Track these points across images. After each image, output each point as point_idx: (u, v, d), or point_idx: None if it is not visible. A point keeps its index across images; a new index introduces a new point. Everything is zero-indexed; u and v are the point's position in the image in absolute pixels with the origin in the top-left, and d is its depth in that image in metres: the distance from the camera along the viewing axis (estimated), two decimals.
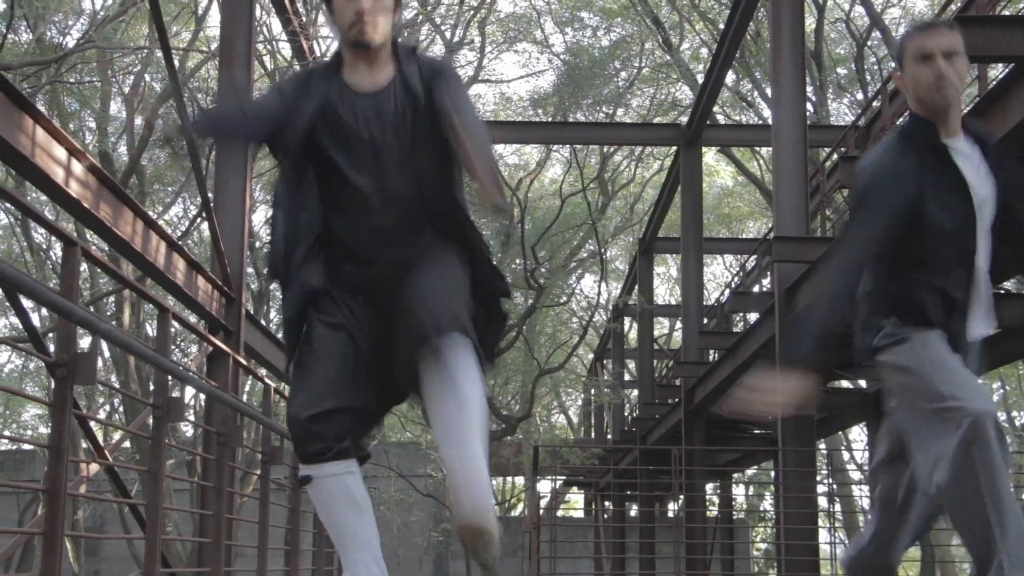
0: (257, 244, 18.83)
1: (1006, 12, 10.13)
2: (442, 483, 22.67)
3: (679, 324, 21.59)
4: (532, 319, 20.86)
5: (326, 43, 18.30)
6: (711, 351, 16.83)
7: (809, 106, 17.94)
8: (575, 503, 32.64)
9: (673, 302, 26.06)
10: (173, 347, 18.21)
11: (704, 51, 21.95)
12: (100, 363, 15.27)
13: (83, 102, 19.55)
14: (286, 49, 17.52)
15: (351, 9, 2.60)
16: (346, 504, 2.56)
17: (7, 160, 6.05)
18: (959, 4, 9.30)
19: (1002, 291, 12.16)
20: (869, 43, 21.73)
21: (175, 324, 6.17)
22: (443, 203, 2.70)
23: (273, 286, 20.01)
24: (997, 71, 10.50)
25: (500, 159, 23.39)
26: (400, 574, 22.95)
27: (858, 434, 27.25)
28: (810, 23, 18.87)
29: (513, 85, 34.38)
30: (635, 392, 24.63)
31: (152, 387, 7.36)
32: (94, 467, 9.32)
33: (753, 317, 14.60)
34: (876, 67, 21.72)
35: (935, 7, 18.20)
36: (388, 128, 2.65)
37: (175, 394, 5.77)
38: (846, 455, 26.38)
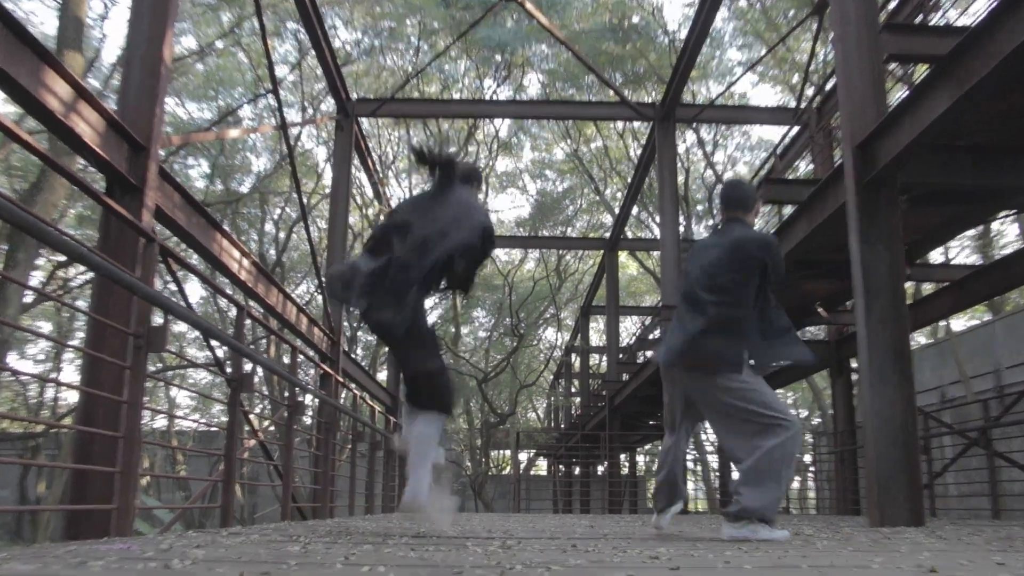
0: (350, 309, 24.66)
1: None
2: (461, 454, 27.69)
3: (605, 357, 22.93)
4: (516, 354, 26.16)
5: (392, 189, 22.84)
6: (624, 373, 18.69)
7: (680, 228, 16.06)
8: (541, 466, 33.53)
9: (601, 344, 26.38)
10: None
11: (619, 194, 23.99)
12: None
13: (250, 224, 24.03)
14: (368, 191, 20.79)
15: None
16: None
17: (205, 257, 7.08)
18: (887, 13, 8.57)
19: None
20: (715, 191, 22.40)
21: (301, 356, 7.60)
22: None
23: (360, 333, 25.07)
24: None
25: (498, 258, 27.23)
26: None
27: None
28: (681, 179, 20.66)
29: (505, 213, 34.68)
30: (578, 399, 26.09)
31: (287, 394, 7.10)
32: (251, 442, 8.94)
33: (650, 353, 17.07)
34: (719, 206, 24.74)
35: (752, 171, 21.43)
36: None
37: (299, 398, 6.78)
38: (703, 435, 26.82)
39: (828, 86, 11.11)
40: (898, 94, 11.38)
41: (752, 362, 3.93)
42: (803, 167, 16.01)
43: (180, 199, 6.42)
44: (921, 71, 9.78)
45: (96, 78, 17.79)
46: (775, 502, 3.72)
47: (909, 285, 14.71)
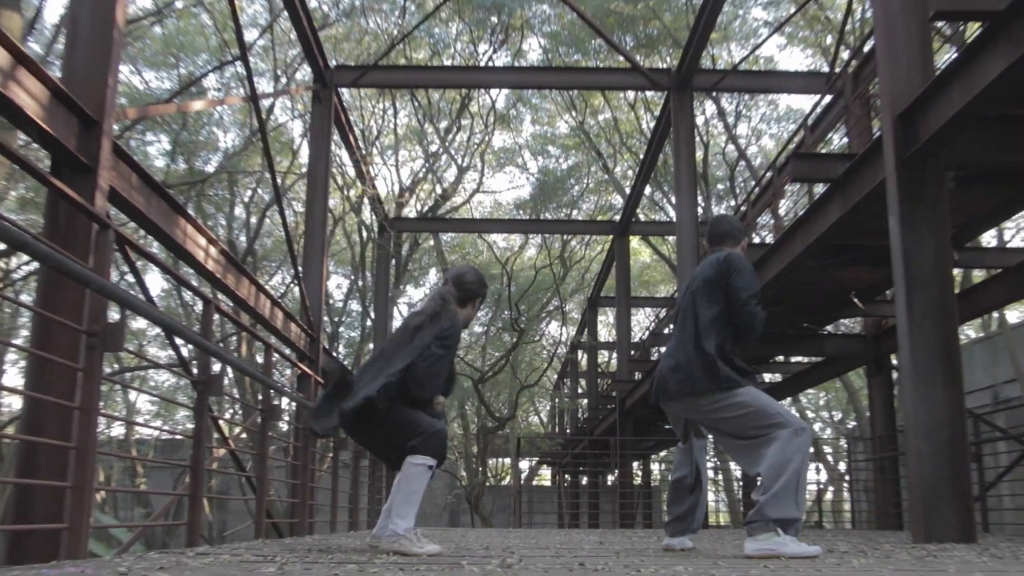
0: (330, 302, 23.41)
1: None
2: (455, 462, 27.68)
3: (615, 354, 23.80)
4: (516, 351, 26.10)
5: (377, 168, 23.29)
6: (636, 372, 19.11)
7: (699, 209, 17.41)
8: (544, 476, 34.81)
9: (611, 339, 27.04)
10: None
11: (630, 172, 23.92)
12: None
13: (217, 208, 23.85)
14: (350, 170, 20.75)
15: (471, 318, 4.72)
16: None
17: (167, 245, 7.16)
18: None
19: (826, 331, 13.73)
20: (737, 168, 24.29)
21: (276, 354, 7.51)
22: None
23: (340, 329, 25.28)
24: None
25: (495, 244, 28.22)
26: (427, 522, 25.01)
27: None
28: (699, 155, 20.76)
29: (503, 195, 36.69)
30: (585, 400, 27.36)
31: (260, 397, 7.13)
32: (221, 451, 10.17)
33: (664, 349, 13.59)
34: (742, 184, 23.51)
35: (780, 145, 20.83)
36: None
37: (275, 401, 6.83)
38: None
39: (866, 48, 11.14)
40: (946, 56, 11.38)
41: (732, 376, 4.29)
42: (837, 140, 16.17)
43: (138, 180, 6.41)
44: (973, 30, 9.48)
45: (38, 42, 17.69)
46: (794, 502, 3.97)
47: (957, 272, 14.80)
